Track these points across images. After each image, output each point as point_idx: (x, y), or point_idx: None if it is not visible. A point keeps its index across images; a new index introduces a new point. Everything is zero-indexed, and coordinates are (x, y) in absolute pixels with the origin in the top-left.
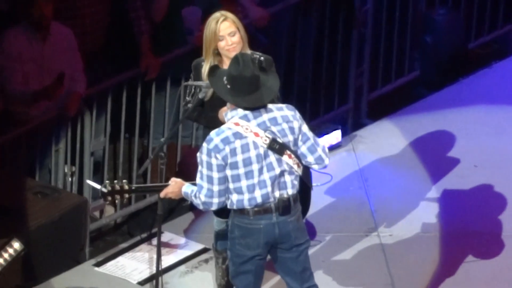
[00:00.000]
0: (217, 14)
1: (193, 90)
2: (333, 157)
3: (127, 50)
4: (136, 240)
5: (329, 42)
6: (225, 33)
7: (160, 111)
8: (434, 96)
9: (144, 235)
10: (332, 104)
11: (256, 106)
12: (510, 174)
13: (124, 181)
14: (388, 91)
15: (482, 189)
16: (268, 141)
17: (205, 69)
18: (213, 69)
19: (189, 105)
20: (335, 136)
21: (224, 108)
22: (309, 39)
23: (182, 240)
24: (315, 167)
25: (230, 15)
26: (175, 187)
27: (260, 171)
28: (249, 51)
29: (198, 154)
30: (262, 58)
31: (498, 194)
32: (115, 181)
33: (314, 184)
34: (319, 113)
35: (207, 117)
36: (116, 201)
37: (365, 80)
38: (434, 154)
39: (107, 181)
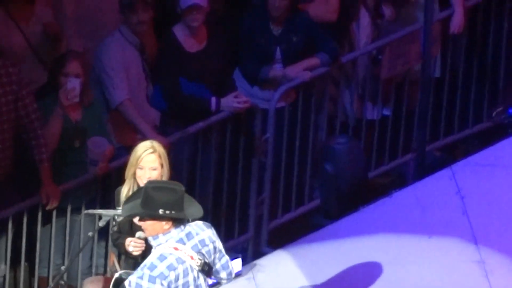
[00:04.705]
0: (147, 143)
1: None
2: (233, 286)
3: (32, 178)
4: None
5: (229, 171)
6: (147, 166)
7: (61, 239)
8: (334, 225)
9: None
10: (232, 233)
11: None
12: None
13: None
14: (288, 220)
15: None
16: (199, 263)
17: (123, 191)
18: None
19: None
20: (236, 264)
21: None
22: (209, 168)
23: None
24: (224, 281)
25: (160, 148)
26: None
27: None
28: None
29: (135, 281)
30: None
31: None
32: None
33: None
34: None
35: (119, 243)
36: None
37: (266, 209)
38: (334, 284)
39: None
